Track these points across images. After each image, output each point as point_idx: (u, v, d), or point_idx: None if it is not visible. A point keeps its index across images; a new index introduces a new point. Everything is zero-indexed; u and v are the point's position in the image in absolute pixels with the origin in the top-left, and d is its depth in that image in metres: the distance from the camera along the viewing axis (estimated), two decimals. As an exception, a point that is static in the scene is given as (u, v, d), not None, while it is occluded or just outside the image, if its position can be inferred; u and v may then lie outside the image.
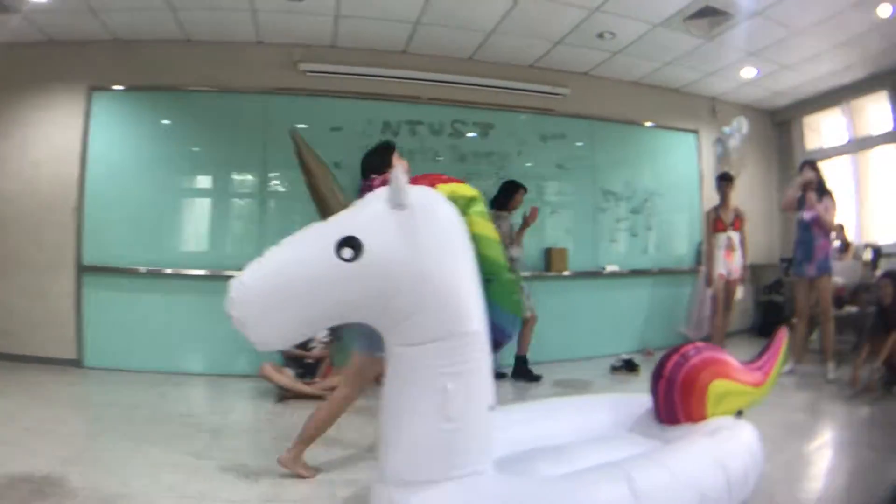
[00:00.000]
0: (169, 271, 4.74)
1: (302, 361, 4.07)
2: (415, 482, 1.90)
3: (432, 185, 2.02)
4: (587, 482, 1.88)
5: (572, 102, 5.92)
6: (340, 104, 5.11)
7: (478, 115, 5.49)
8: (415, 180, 1.97)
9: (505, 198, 5.03)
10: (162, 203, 4.93)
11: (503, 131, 5.57)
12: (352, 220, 1.82)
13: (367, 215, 1.82)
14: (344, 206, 1.92)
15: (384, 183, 1.86)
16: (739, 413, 2.59)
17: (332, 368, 4.17)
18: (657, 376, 2.57)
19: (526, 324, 5.01)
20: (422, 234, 1.83)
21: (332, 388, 3.88)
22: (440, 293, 1.84)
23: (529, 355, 4.94)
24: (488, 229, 2.08)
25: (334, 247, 1.71)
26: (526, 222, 5.03)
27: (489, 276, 2.07)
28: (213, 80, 5.01)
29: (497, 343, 2.17)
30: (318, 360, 4.10)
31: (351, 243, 1.70)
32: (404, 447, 1.93)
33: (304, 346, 4.04)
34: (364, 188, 2.00)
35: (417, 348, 1.88)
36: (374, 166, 2.82)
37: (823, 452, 3.34)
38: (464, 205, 2.05)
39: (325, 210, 1.93)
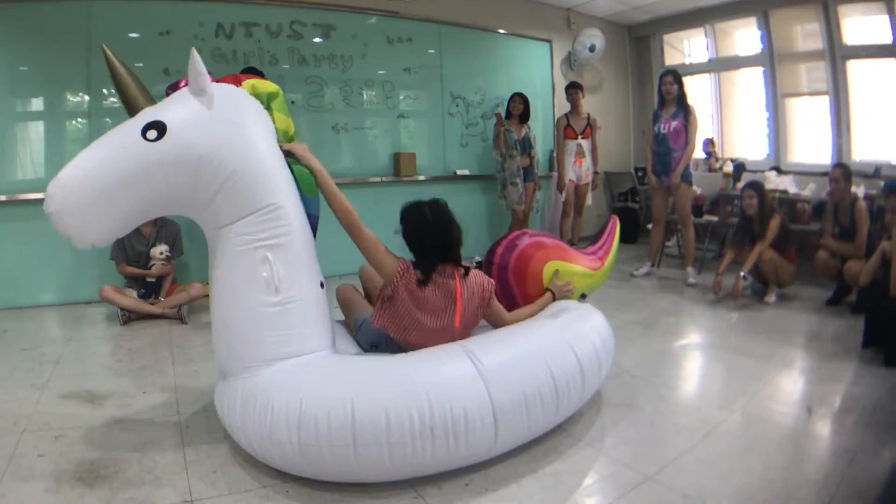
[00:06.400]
0: (3, 198, 4.18)
1: (144, 280, 3.84)
2: (251, 367, 1.90)
3: (237, 82, 2.13)
4: (432, 360, 1.91)
5: (420, 6, 5.73)
6: (169, 6, 4.55)
7: (318, 15, 5.14)
8: (219, 80, 2.08)
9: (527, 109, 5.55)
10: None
11: (346, 33, 5.29)
12: (156, 109, 1.89)
13: (169, 103, 1.93)
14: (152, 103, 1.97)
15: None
16: (583, 296, 2.67)
17: (176, 286, 3.96)
18: (488, 263, 2.60)
19: (514, 218, 5.58)
20: (222, 114, 1.93)
21: (177, 307, 3.79)
22: (241, 170, 1.91)
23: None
24: (286, 123, 2.22)
25: (140, 131, 1.79)
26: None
27: (287, 164, 2.16)
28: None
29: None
30: (160, 278, 3.89)
31: (155, 125, 1.80)
32: (236, 329, 1.93)
33: (143, 264, 3.84)
34: (169, 90, 2.03)
35: (228, 227, 1.94)
36: None
37: (690, 353, 3.33)
38: (266, 99, 2.16)
39: (134, 110, 1.93)
